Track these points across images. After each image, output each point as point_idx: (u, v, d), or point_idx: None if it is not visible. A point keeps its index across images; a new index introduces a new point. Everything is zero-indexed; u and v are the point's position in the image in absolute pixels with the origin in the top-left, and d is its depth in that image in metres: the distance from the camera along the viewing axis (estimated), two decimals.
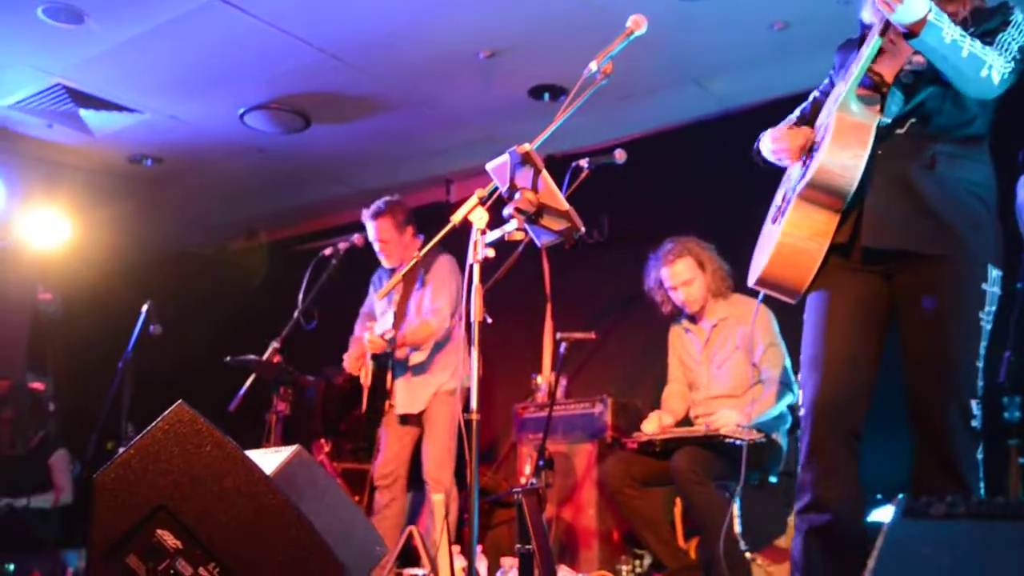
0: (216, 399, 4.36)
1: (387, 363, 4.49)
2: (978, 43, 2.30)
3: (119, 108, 5.31)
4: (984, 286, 2.42)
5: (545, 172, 2.68)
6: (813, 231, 2.47)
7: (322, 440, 5.37)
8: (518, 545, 2.36)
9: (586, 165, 3.74)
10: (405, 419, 4.45)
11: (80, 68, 4.84)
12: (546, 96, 5.17)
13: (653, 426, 4.11)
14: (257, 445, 4.25)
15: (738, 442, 3.65)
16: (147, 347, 4.59)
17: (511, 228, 2.72)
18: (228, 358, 4.62)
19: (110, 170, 6.22)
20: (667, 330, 4.41)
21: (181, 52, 4.68)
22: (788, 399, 3.86)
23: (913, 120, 2.48)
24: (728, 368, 4.06)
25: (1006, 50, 2.36)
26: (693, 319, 4.24)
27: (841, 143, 2.39)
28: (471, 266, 2.69)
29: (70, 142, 5.78)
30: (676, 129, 5.47)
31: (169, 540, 1.89)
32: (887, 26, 2.36)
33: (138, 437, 1.95)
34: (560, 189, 2.75)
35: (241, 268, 7.70)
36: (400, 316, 4.46)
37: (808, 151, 2.61)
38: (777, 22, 4.31)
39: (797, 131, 2.69)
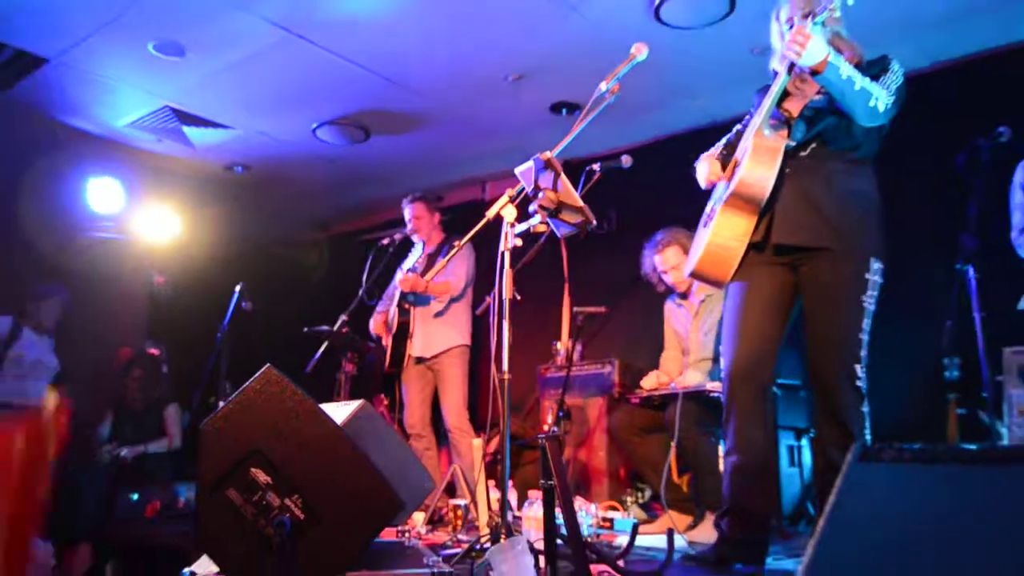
0: (296, 362, 4.41)
1: (409, 314, 4.55)
2: (867, 79, 2.42)
3: (215, 125, 5.35)
4: (867, 275, 2.52)
5: (563, 175, 2.67)
6: (735, 233, 2.54)
7: (382, 395, 5.41)
8: (542, 481, 2.37)
9: (598, 169, 3.71)
10: (420, 360, 4.48)
11: (183, 92, 4.88)
12: (564, 111, 5.13)
13: (652, 383, 4.11)
14: (329, 400, 4.30)
15: (715, 394, 3.66)
16: (240, 320, 4.65)
17: (536, 221, 2.72)
18: (305, 328, 4.66)
19: (208, 176, 6.28)
20: (663, 305, 4.39)
21: (265, 79, 4.70)
22: None
23: (814, 145, 2.59)
24: (713, 336, 4.03)
25: (887, 88, 2.47)
26: (683, 296, 4.22)
27: (757, 161, 2.48)
28: (503, 252, 2.70)
29: (175, 154, 5.84)
30: (672, 137, 5.42)
31: (261, 477, 1.92)
32: (791, 67, 2.47)
33: (235, 394, 1.98)
34: (576, 189, 2.75)
35: (315, 254, 7.76)
36: (426, 275, 4.53)
37: (731, 173, 2.68)
38: (756, 47, 4.25)
39: (718, 166, 2.79)
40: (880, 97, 2.41)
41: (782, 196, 2.53)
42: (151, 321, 6.97)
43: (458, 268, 4.49)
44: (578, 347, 5.14)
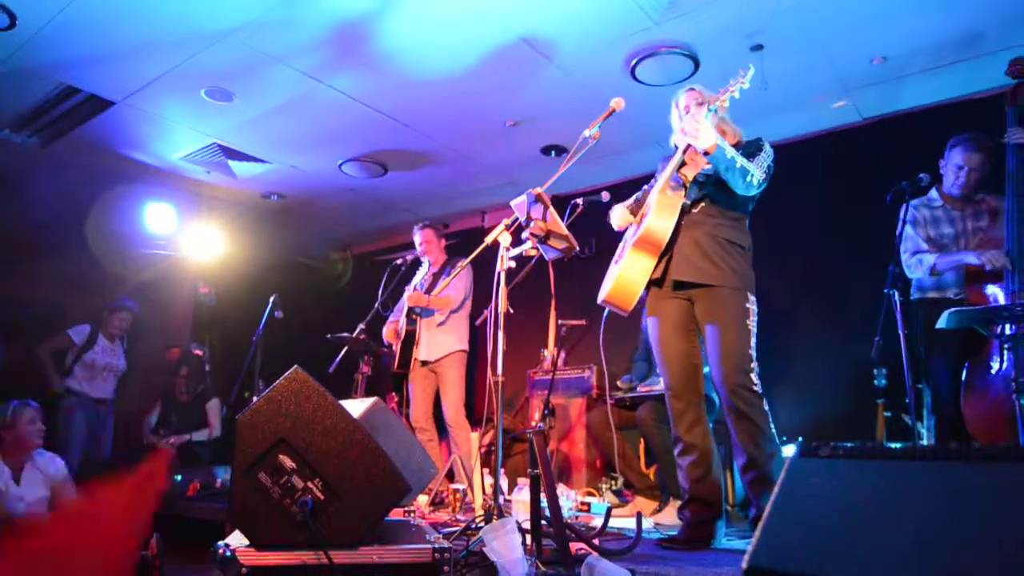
0: (320, 364, 4.39)
1: (416, 324, 4.53)
2: (746, 159, 2.62)
3: (255, 160, 5.35)
4: (747, 304, 2.68)
5: (552, 207, 2.68)
6: (640, 270, 2.68)
7: (393, 393, 5.39)
8: (529, 470, 2.36)
9: (581, 203, 3.73)
10: (424, 363, 4.46)
11: (229, 132, 4.88)
12: (553, 153, 5.15)
13: (626, 385, 4.10)
14: (348, 396, 4.28)
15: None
16: (273, 326, 4.63)
17: (527, 247, 2.73)
18: (329, 335, 4.65)
19: (248, 203, 6.27)
20: (636, 320, 4.38)
21: (299, 121, 4.71)
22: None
23: (703, 204, 2.76)
24: None
25: (761, 167, 2.66)
26: None
27: (660, 215, 2.67)
28: (499, 273, 2.70)
29: (221, 183, 5.83)
30: (644, 177, 5.38)
31: (287, 462, 1.90)
32: (688, 147, 2.70)
33: (266, 391, 1.96)
34: (562, 219, 2.76)
35: (338, 271, 7.74)
36: (430, 291, 4.52)
37: (639, 221, 2.83)
38: None
39: (629, 213, 2.97)
40: (755, 175, 2.60)
41: (679, 244, 2.71)
42: (196, 326, 6.95)
43: (458, 284, 4.49)
44: (562, 354, 5.14)
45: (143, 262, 6.09)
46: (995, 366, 2.90)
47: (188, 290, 6.78)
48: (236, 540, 1.95)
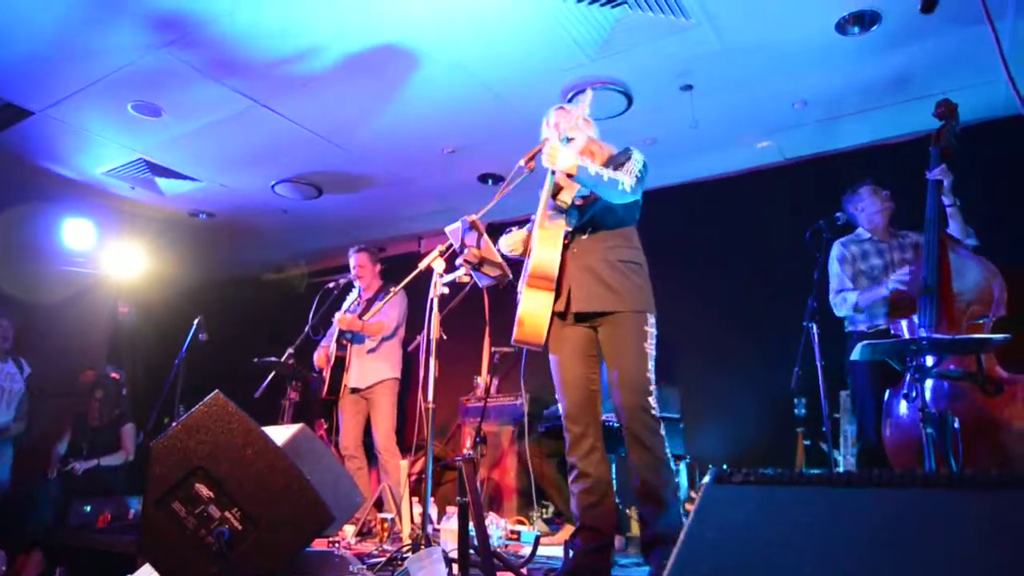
0: (245, 389, 4.26)
1: (346, 349, 4.45)
2: (612, 171, 2.64)
3: (184, 177, 5.20)
4: (645, 327, 2.66)
5: (486, 235, 2.71)
6: (539, 304, 2.65)
7: (322, 420, 5.26)
8: (458, 498, 2.34)
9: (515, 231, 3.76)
10: (355, 391, 4.39)
11: (157, 148, 4.74)
12: (489, 181, 5.20)
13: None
14: (274, 423, 4.15)
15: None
16: (196, 350, 4.47)
17: (460, 273, 2.74)
18: (255, 359, 4.52)
19: (175, 221, 6.07)
20: None
21: (230, 140, 4.61)
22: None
23: (590, 228, 2.74)
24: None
25: (631, 172, 2.67)
26: None
27: (543, 247, 2.65)
28: (432, 299, 2.69)
29: (146, 200, 5.63)
30: None
31: (204, 491, 1.83)
32: (553, 173, 2.67)
33: (184, 416, 1.89)
34: (496, 247, 2.78)
35: (295, 283, 7.55)
36: (363, 316, 4.46)
37: (528, 253, 2.81)
38: (647, 139, 4.43)
39: (524, 245, 2.93)
40: (625, 181, 2.61)
41: (572, 272, 2.69)
42: (114, 347, 6.64)
43: (391, 311, 4.45)
44: (495, 381, 5.14)
45: (58, 279, 5.79)
46: (907, 396, 3.05)
47: (107, 310, 6.48)
48: (146, 574, 1.86)
